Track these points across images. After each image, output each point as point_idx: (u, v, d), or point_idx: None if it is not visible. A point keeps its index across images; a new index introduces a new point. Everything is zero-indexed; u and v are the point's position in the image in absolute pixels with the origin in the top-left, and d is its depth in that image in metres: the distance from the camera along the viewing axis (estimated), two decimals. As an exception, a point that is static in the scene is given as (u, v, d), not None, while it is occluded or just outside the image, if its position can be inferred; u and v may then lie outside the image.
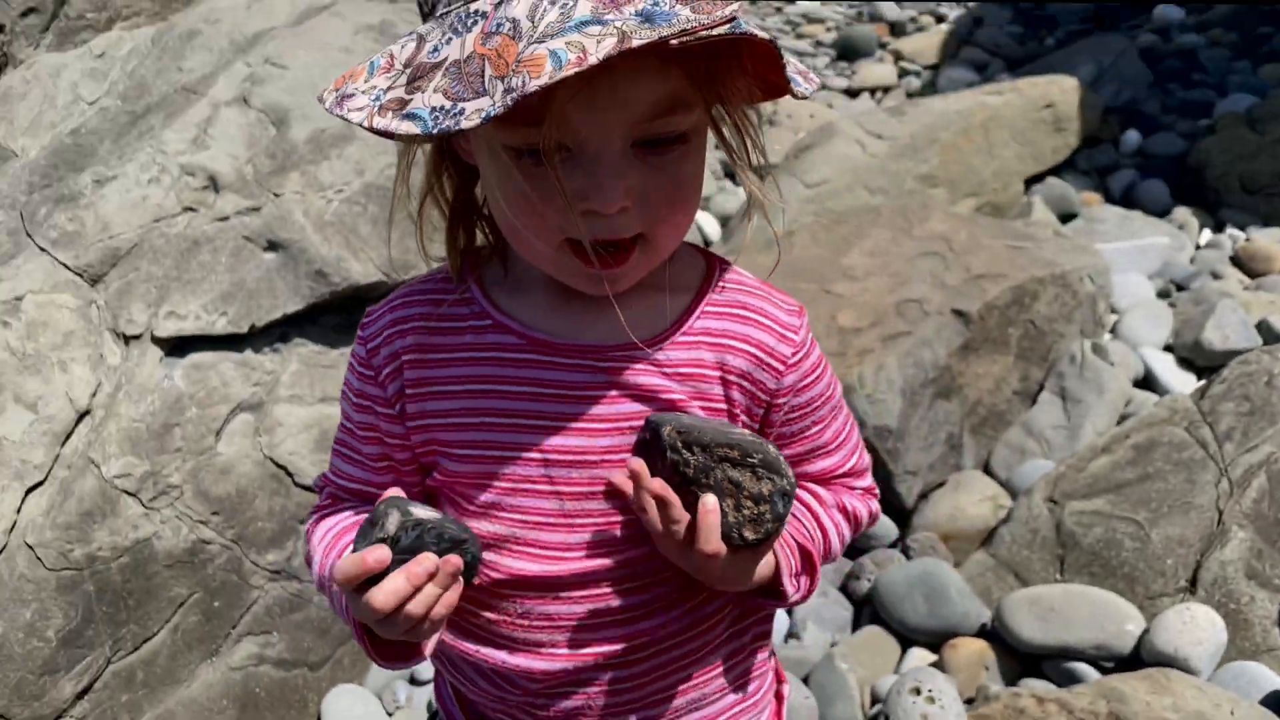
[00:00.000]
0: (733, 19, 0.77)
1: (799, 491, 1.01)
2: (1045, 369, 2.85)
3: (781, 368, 0.98)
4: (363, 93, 0.82)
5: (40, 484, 2.08)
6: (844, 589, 2.48)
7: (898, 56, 5.60)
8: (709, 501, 0.86)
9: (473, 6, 0.80)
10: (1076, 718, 1.82)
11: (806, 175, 3.70)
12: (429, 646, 0.94)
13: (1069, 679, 2.11)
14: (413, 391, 0.98)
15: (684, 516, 0.87)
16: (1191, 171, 4.05)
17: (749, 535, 0.87)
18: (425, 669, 2.30)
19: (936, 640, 2.27)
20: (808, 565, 1.01)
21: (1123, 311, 3.17)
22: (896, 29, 6.01)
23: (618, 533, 0.96)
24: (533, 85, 0.72)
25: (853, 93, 5.33)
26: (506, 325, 0.97)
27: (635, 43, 0.72)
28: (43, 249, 2.35)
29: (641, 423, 0.93)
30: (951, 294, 2.74)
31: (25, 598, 2.00)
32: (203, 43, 2.79)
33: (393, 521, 0.86)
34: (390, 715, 2.26)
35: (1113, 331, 3.12)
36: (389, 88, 0.81)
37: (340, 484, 1.06)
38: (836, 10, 6.34)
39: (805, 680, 2.18)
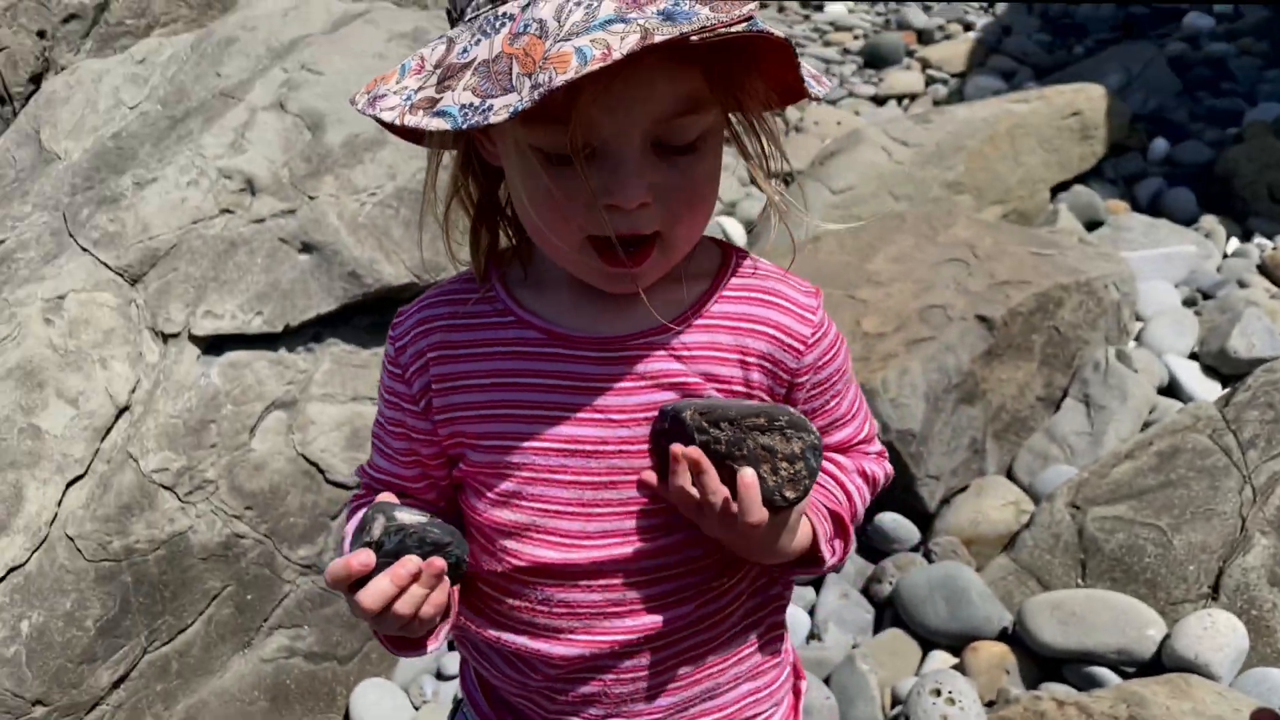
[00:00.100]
0: (750, 18, 0.80)
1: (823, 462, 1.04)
2: (1069, 375, 2.85)
3: (802, 347, 1.01)
4: (394, 93, 0.86)
5: (80, 477, 2.14)
6: (866, 591, 2.50)
7: (925, 64, 5.60)
8: (746, 474, 0.89)
9: (501, 9, 0.83)
10: (1096, 720, 1.83)
11: (832, 182, 3.72)
12: (434, 642, 0.99)
13: (1090, 683, 2.12)
14: (438, 386, 1.02)
15: (721, 488, 0.90)
16: (1219, 180, 4.04)
17: (790, 495, 0.90)
18: (451, 663, 2.34)
19: (957, 643, 2.28)
20: (840, 529, 1.05)
21: (1148, 319, 3.17)
22: (924, 37, 6.01)
23: (634, 523, 0.99)
24: (559, 80, 0.75)
25: (880, 100, 5.34)
26: (528, 321, 1.00)
27: (657, 38, 0.76)
28: (85, 249, 2.41)
29: (657, 412, 0.96)
30: (975, 300, 2.75)
31: (65, 588, 2.05)
32: (240, 49, 2.85)
33: (378, 527, 0.91)
34: (417, 709, 2.30)
35: (1138, 339, 3.12)
36: (420, 88, 0.85)
37: (373, 476, 1.11)
38: (864, 18, 6.35)
39: (826, 681, 2.20)
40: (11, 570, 2.04)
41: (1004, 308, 2.71)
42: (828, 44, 6.07)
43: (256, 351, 2.34)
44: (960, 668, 2.22)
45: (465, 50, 0.83)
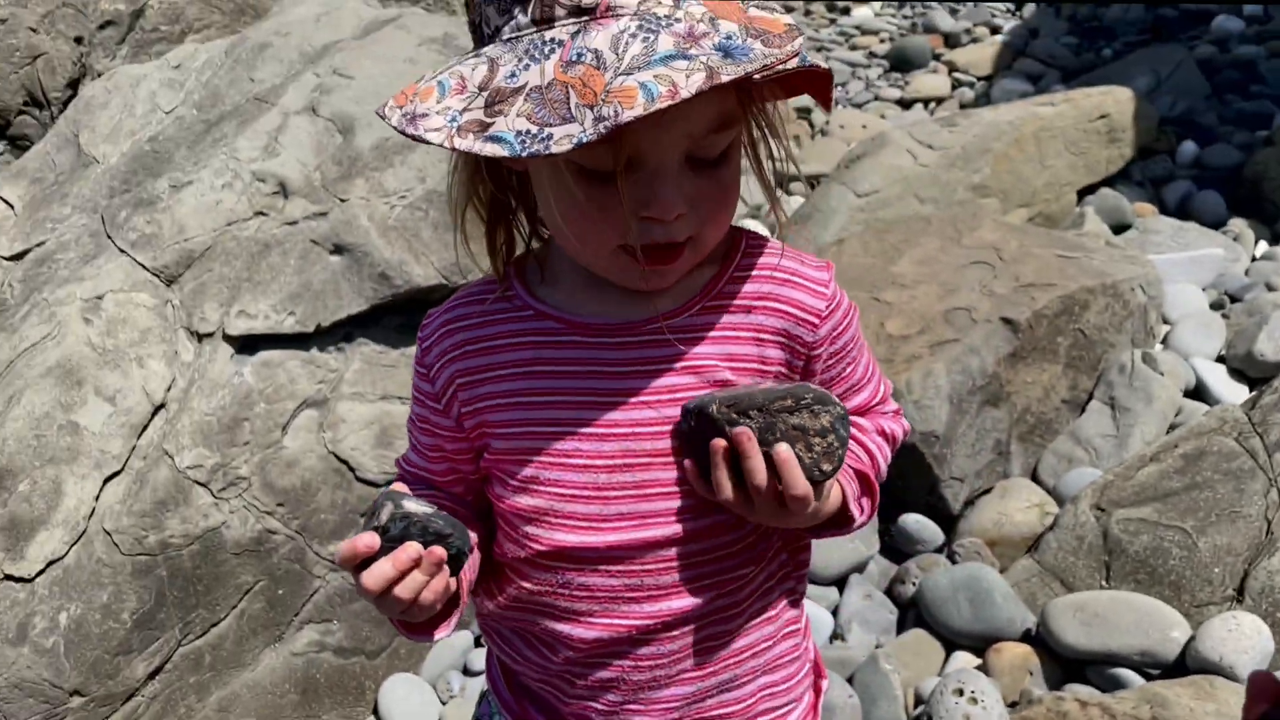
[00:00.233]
0: (799, 53, 0.85)
1: None
2: (1094, 378, 2.85)
3: (816, 320, 1.04)
4: (436, 113, 0.87)
5: (118, 473, 2.19)
6: (889, 592, 2.51)
7: (951, 68, 5.59)
8: (781, 449, 0.92)
9: (548, 34, 0.85)
10: (1118, 720, 1.84)
11: (858, 185, 3.73)
12: (442, 630, 1.03)
13: (1113, 685, 2.13)
14: (462, 381, 1.06)
15: (763, 466, 0.93)
16: (1248, 183, 4.02)
17: (827, 468, 0.94)
18: (477, 659, 2.37)
19: (980, 644, 2.29)
20: (867, 488, 1.08)
21: (1175, 322, 3.17)
22: (951, 40, 5.99)
23: (649, 506, 1.02)
24: (627, 116, 0.78)
25: (906, 104, 5.33)
26: (545, 313, 1.04)
27: (724, 78, 0.79)
28: (122, 250, 2.46)
29: (669, 394, 1.00)
30: (1000, 302, 2.76)
31: (102, 581, 2.10)
32: (273, 54, 2.90)
33: (385, 513, 0.95)
34: (444, 704, 2.33)
35: (1164, 342, 3.11)
36: (464, 109, 0.86)
37: (405, 468, 1.17)
38: (890, 21, 6.34)
39: (850, 680, 2.21)
40: (51, 563, 2.09)
41: (1029, 310, 2.72)
42: (854, 47, 6.08)
43: (289, 351, 2.38)
44: (983, 669, 2.23)
45: (513, 74, 0.85)
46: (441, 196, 2.54)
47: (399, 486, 1.03)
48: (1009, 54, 5.63)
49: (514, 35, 0.87)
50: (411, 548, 0.94)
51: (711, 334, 1.02)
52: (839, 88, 5.52)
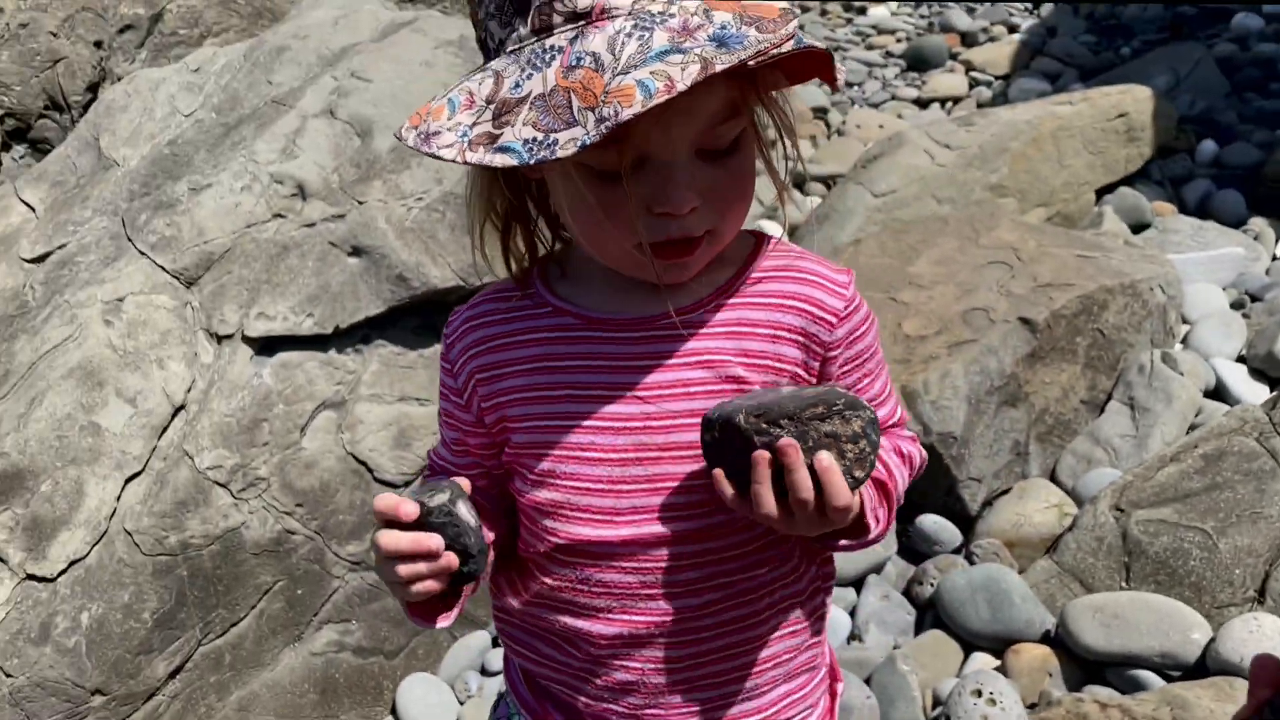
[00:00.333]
0: (794, 35, 0.84)
1: None
2: (1114, 379, 2.84)
3: (834, 320, 1.04)
4: (448, 130, 0.89)
5: (138, 474, 2.21)
6: (907, 593, 2.50)
7: (969, 67, 5.57)
8: (823, 457, 0.89)
9: (548, 42, 0.86)
10: (1138, 722, 1.83)
11: (875, 185, 3.72)
12: (443, 621, 1.03)
13: (1133, 686, 2.11)
14: (482, 376, 1.07)
15: (809, 479, 0.89)
16: (1268, 182, 3.99)
17: (859, 474, 0.90)
18: (495, 659, 2.37)
19: (999, 646, 2.28)
20: (884, 497, 1.05)
21: (1194, 322, 3.14)
22: (968, 39, 5.97)
23: (662, 500, 1.02)
24: (626, 114, 0.79)
25: (923, 103, 5.31)
26: (563, 309, 1.06)
27: (718, 67, 0.80)
28: (142, 252, 2.48)
29: (683, 388, 1.00)
30: (1018, 302, 2.75)
31: (124, 581, 2.12)
32: (291, 57, 2.91)
33: (438, 498, 0.97)
34: (462, 704, 2.34)
35: (1184, 342, 3.09)
36: (474, 123, 0.88)
37: (435, 460, 1.20)
38: (907, 21, 6.32)
39: (867, 681, 2.21)
40: (73, 563, 2.11)
41: (1047, 310, 2.70)
42: (870, 47, 6.06)
43: (307, 352, 2.39)
44: (1002, 670, 2.22)
45: (518, 85, 0.86)
46: (458, 199, 2.55)
47: (464, 483, 1.03)
48: (1026, 53, 5.60)
49: (516, 46, 0.89)
50: (435, 540, 0.95)
51: (726, 329, 1.03)
52: (856, 87, 5.50)
